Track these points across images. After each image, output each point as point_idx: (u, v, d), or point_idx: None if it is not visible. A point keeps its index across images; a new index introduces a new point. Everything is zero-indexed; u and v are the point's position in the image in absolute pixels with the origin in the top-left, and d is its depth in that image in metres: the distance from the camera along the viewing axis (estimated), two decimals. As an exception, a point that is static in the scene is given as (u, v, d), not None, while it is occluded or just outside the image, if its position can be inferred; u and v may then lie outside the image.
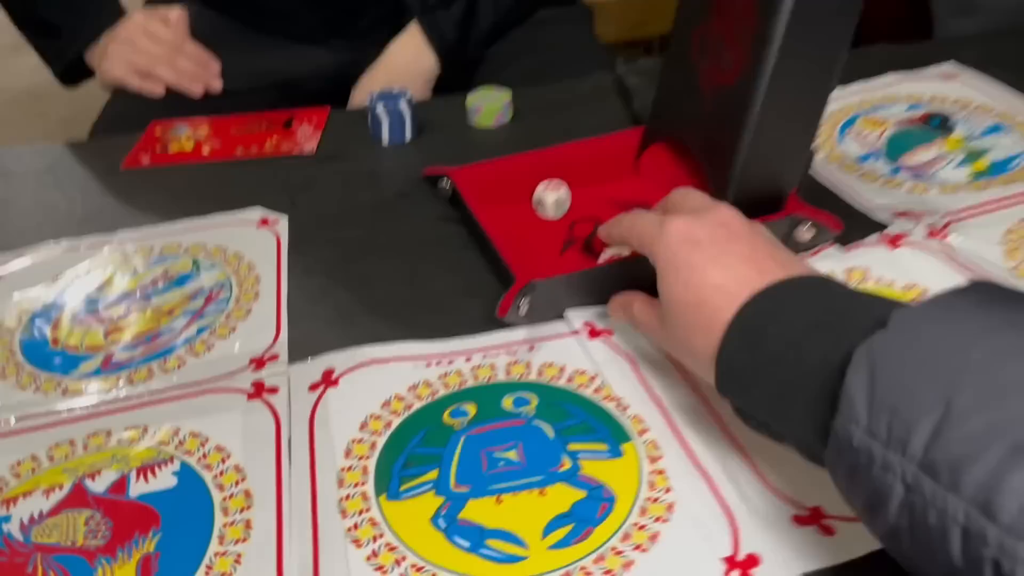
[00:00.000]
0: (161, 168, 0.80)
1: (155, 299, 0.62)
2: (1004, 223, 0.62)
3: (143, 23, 0.96)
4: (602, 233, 0.55)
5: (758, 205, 0.60)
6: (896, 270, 0.59)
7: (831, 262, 0.60)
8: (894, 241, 0.61)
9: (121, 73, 0.95)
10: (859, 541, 0.42)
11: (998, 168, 0.69)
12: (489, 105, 0.79)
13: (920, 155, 0.72)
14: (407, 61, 0.98)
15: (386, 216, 0.70)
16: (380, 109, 0.77)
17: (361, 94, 0.98)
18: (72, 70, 1.00)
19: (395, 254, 0.65)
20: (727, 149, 0.59)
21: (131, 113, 0.93)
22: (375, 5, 1.01)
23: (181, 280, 0.64)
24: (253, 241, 0.68)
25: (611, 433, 0.49)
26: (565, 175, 0.68)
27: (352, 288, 0.62)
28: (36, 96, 2.41)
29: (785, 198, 0.61)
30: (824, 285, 0.41)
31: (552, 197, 0.66)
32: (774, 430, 0.41)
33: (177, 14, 0.98)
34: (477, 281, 0.61)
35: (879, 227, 0.63)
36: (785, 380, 0.38)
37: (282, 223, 0.70)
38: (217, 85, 0.95)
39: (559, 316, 0.57)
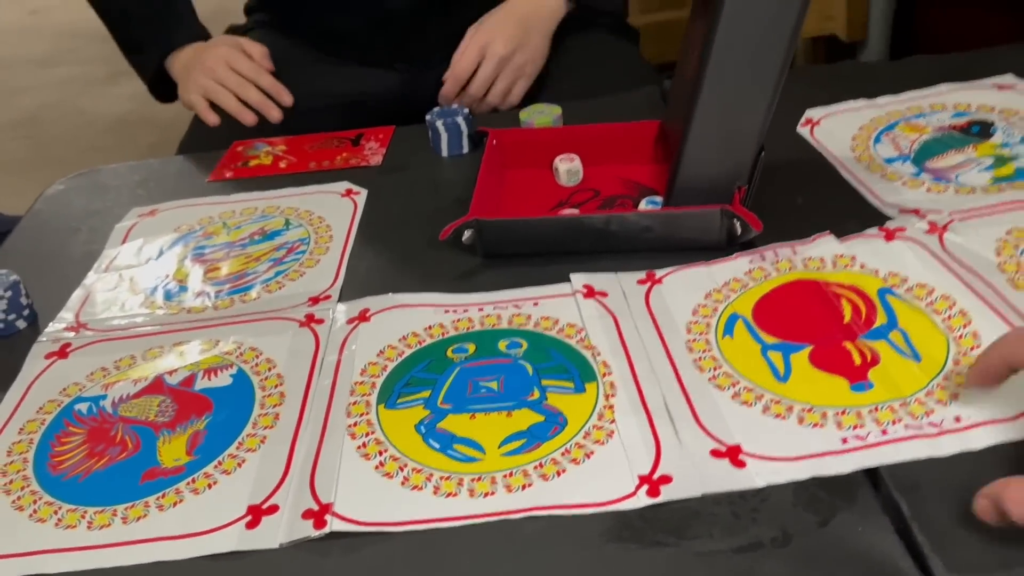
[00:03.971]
0: (243, 180, 0.88)
1: (250, 248, 0.76)
2: (1006, 224, 0.65)
3: (226, 56, 1.02)
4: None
5: (705, 195, 0.66)
6: (883, 259, 0.63)
7: (823, 248, 0.65)
8: (891, 234, 0.66)
9: (193, 99, 1.03)
10: (763, 475, 0.48)
11: (1023, 174, 0.71)
12: (540, 119, 0.86)
13: (948, 159, 0.74)
14: (534, 5, 1.01)
15: (444, 218, 0.72)
16: (439, 124, 0.86)
17: (478, 40, 1.00)
18: (160, 86, 1.09)
19: (448, 244, 0.69)
20: (681, 137, 0.67)
21: (215, 133, 1.00)
22: (435, 31, 1.07)
23: (272, 235, 0.78)
24: (335, 207, 0.80)
25: (580, 374, 0.57)
26: (587, 151, 0.78)
27: (404, 259, 0.72)
28: (128, 123, 2.65)
29: (731, 195, 0.67)
30: None
31: (565, 167, 0.77)
32: None
33: (260, 51, 1.05)
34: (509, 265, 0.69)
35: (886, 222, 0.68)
36: None
37: (362, 195, 0.82)
38: (275, 115, 1.01)
39: (517, 255, 0.68)
